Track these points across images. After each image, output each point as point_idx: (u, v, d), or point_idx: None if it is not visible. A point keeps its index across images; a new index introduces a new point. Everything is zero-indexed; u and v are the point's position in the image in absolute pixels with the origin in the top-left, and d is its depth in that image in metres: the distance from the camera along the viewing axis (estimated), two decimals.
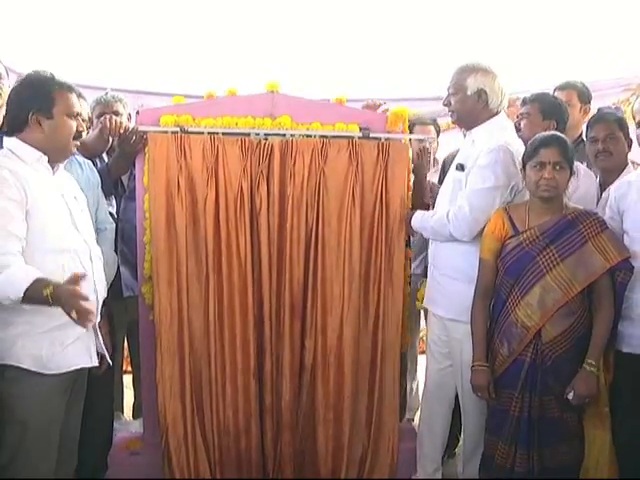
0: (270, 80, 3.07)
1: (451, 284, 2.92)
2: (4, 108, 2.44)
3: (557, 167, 2.56)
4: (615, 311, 2.58)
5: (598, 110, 3.32)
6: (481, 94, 2.86)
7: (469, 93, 2.87)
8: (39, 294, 2.00)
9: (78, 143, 2.43)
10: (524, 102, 3.23)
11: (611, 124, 3.01)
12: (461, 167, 2.91)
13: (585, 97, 3.61)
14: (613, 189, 2.76)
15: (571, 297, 2.56)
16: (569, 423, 2.65)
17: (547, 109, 3.13)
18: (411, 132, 3.72)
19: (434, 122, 3.94)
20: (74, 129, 2.36)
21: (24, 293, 2.01)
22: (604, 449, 2.63)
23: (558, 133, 2.76)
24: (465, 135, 3.09)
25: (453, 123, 3.13)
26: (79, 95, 2.60)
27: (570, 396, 2.57)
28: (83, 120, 2.43)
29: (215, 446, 3.04)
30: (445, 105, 2.99)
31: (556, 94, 3.53)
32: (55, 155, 2.36)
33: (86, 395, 2.57)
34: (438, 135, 3.95)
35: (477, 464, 2.88)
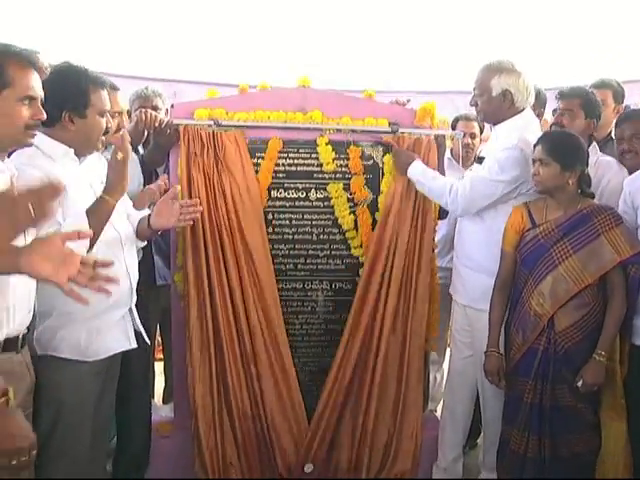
0: (301, 75, 3.13)
1: (468, 273, 3.03)
2: None
3: (542, 163, 2.67)
4: (629, 305, 2.63)
5: (625, 108, 3.33)
6: (506, 94, 2.89)
7: (494, 94, 2.91)
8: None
9: (104, 139, 2.42)
10: (562, 96, 3.24)
11: (637, 123, 2.99)
12: (480, 161, 3.02)
13: (619, 97, 3.63)
14: (627, 183, 2.80)
15: (582, 288, 2.63)
16: (583, 413, 2.71)
17: (588, 107, 3.16)
18: (454, 127, 3.77)
19: (477, 118, 3.91)
20: (104, 127, 2.37)
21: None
22: (620, 440, 2.69)
23: (555, 131, 2.93)
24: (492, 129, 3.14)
25: (482, 121, 3.17)
26: (112, 88, 2.65)
27: (579, 384, 2.63)
28: (112, 115, 2.44)
29: (237, 429, 3.10)
30: (472, 105, 3.04)
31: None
32: (82, 151, 2.37)
33: (124, 387, 2.66)
34: (482, 132, 3.94)
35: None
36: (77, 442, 2.37)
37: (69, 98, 2.27)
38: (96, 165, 2.49)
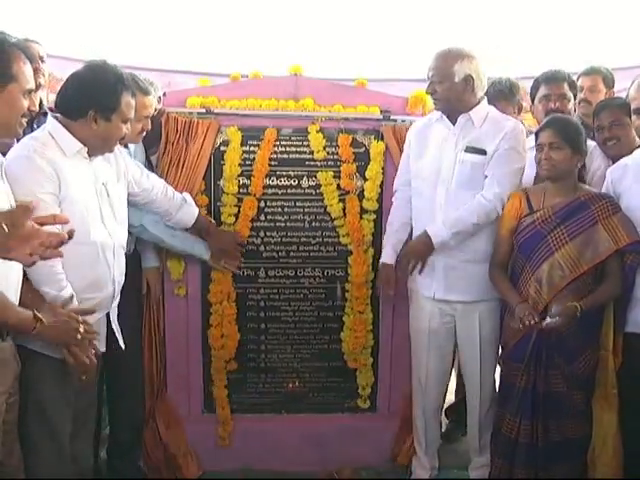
0: (293, 63, 3.14)
1: (475, 267, 2.91)
2: (45, 90, 2.44)
3: (553, 147, 2.66)
4: (622, 295, 2.63)
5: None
6: (468, 80, 2.83)
7: (457, 80, 2.82)
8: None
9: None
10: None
11: (615, 110, 2.98)
12: (475, 150, 2.85)
13: (609, 82, 3.64)
14: (609, 172, 2.81)
15: (578, 275, 2.62)
16: (575, 400, 2.72)
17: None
18: None
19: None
20: (123, 134, 2.36)
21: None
22: (610, 430, 2.69)
23: (561, 115, 2.89)
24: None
25: (437, 110, 2.95)
26: (145, 92, 2.71)
27: (547, 321, 2.57)
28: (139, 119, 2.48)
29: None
30: (429, 93, 2.90)
31: (581, 79, 3.56)
32: (94, 151, 2.35)
33: (116, 377, 2.70)
34: None
35: None
36: (58, 433, 2.33)
37: (100, 99, 2.26)
38: (105, 167, 2.48)
